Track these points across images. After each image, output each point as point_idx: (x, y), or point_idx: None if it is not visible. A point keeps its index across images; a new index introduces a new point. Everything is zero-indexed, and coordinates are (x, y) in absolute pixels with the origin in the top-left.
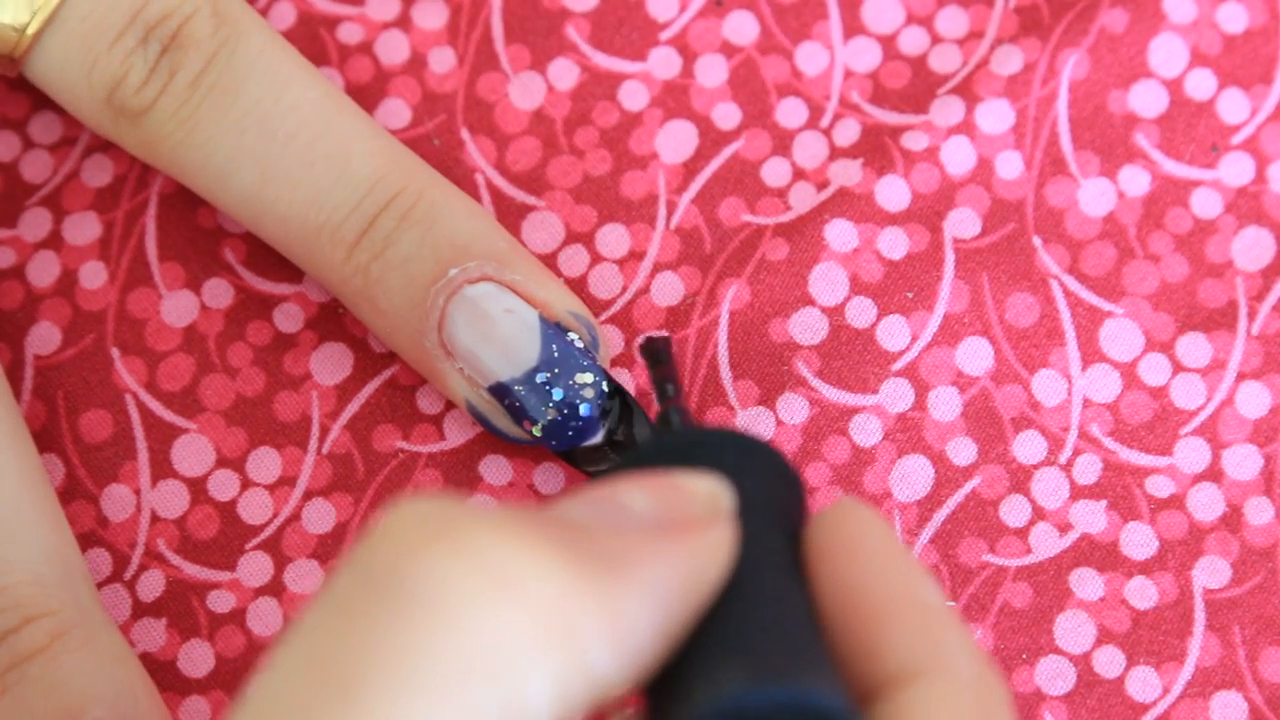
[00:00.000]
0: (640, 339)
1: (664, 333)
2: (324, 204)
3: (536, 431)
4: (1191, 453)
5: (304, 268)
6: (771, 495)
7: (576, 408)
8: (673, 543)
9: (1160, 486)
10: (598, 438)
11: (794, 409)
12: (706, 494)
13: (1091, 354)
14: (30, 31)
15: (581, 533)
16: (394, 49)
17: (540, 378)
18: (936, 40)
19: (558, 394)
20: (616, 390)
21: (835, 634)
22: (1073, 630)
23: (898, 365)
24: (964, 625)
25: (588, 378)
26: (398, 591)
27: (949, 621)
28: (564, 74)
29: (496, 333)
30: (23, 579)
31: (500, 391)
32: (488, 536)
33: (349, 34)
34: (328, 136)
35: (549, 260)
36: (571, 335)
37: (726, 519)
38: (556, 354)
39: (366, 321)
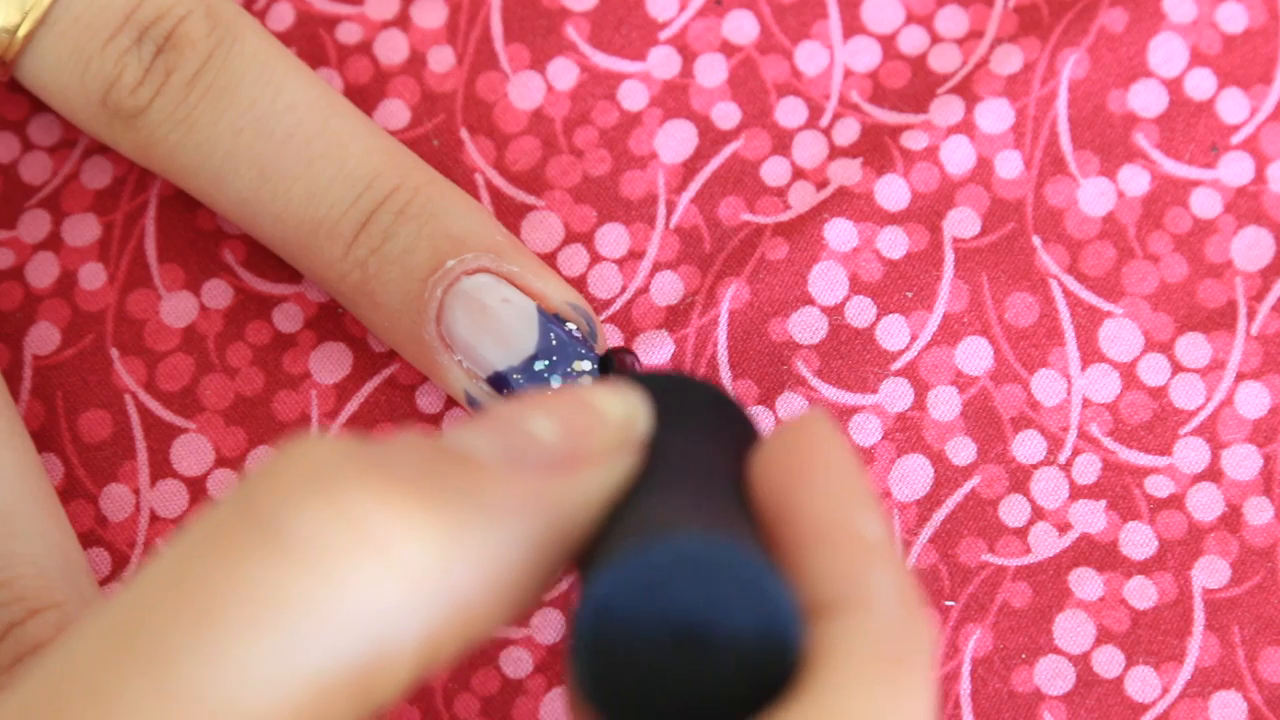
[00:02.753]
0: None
1: (629, 351)
2: (322, 200)
3: None
4: (1191, 453)
5: (301, 267)
6: (714, 423)
7: None
8: (566, 478)
9: (1160, 486)
10: None
11: (793, 408)
12: (621, 416)
13: (1091, 354)
14: (21, 34)
15: (466, 478)
16: (393, 48)
17: (538, 365)
18: (936, 40)
19: (556, 381)
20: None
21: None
22: (1072, 630)
23: (897, 365)
24: (898, 562)
25: (585, 365)
26: (272, 534)
27: (881, 556)
28: (563, 73)
29: (494, 322)
30: (27, 572)
31: (498, 382)
32: (364, 494)
33: (348, 34)
34: (325, 134)
35: (549, 260)
36: (570, 325)
37: (635, 444)
38: (554, 342)
39: (364, 318)
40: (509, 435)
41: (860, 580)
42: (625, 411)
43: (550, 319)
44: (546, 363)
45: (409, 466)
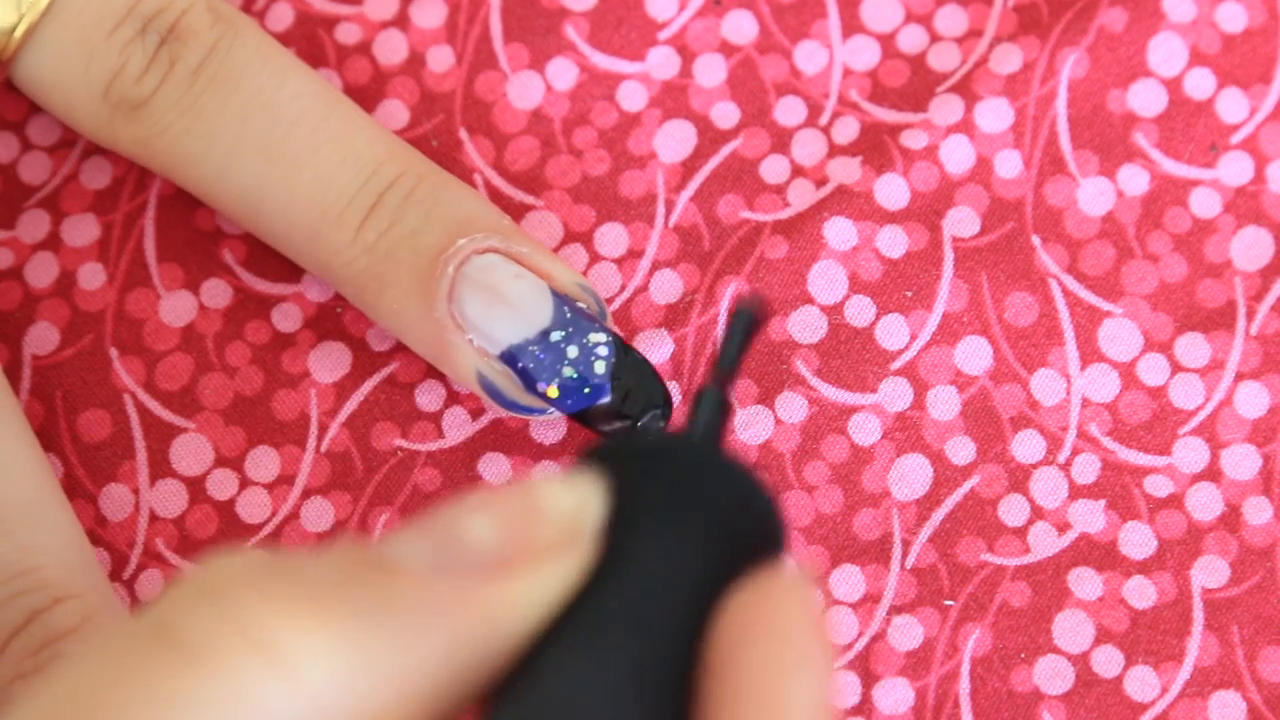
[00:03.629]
0: (744, 299)
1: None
2: (330, 185)
3: (552, 392)
4: (1190, 452)
5: (305, 258)
6: (717, 519)
7: (592, 365)
8: (498, 583)
9: (1159, 486)
10: (609, 397)
11: (793, 408)
12: (568, 511)
13: (1090, 354)
14: (18, 34)
15: (380, 597)
16: (392, 48)
17: (555, 336)
18: (935, 39)
19: (573, 351)
20: (627, 351)
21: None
22: (1071, 630)
23: (897, 364)
24: None
25: (601, 337)
26: (168, 642)
27: None
28: (563, 73)
29: (508, 296)
30: (49, 562)
31: (512, 357)
32: (260, 604)
33: (347, 34)
34: (331, 121)
35: None
36: (580, 304)
37: (580, 544)
38: (569, 315)
39: (370, 305)
40: (439, 539)
41: None
42: (573, 506)
43: (562, 295)
44: (563, 333)
45: (320, 577)
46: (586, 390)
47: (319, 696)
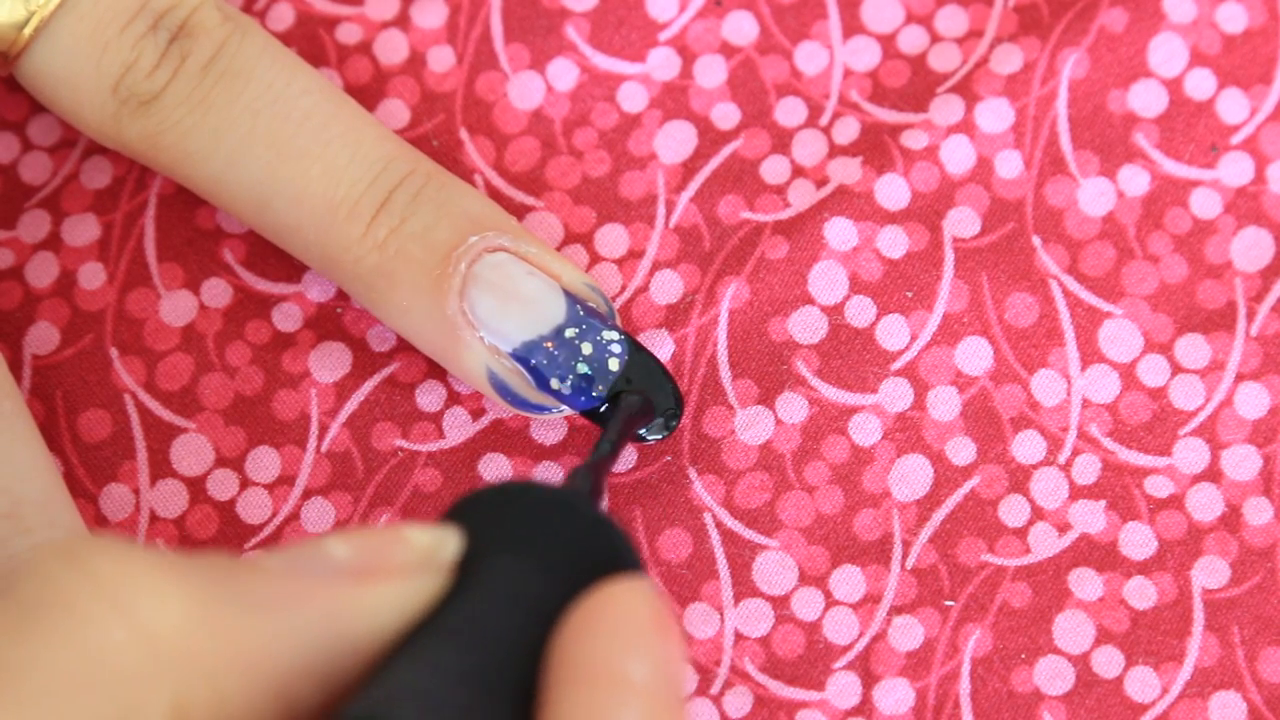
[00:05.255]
0: (632, 398)
1: (644, 398)
2: (341, 179)
3: (566, 389)
4: (1190, 453)
5: (313, 252)
6: (568, 553)
7: (606, 362)
8: (349, 589)
9: (1159, 487)
10: (635, 397)
11: (793, 408)
12: (424, 545)
13: (1090, 354)
14: (27, 32)
15: (235, 576)
16: (393, 48)
17: (569, 333)
18: (936, 39)
19: (587, 348)
20: (639, 350)
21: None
22: (1072, 630)
23: (897, 365)
24: (663, 705)
25: (614, 334)
26: (18, 608)
27: (638, 696)
28: (563, 74)
29: (522, 292)
30: None
31: (524, 355)
32: (109, 563)
33: (348, 34)
34: (340, 118)
35: None
36: (590, 304)
37: (434, 569)
38: (581, 313)
39: (378, 303)
40: (299, 550)
41: (602, 717)
42: (431, 540)
43: (572, 294)
44: (576, 330)
45: (179, 558)
46: (599, 388)
47: (164, 646)
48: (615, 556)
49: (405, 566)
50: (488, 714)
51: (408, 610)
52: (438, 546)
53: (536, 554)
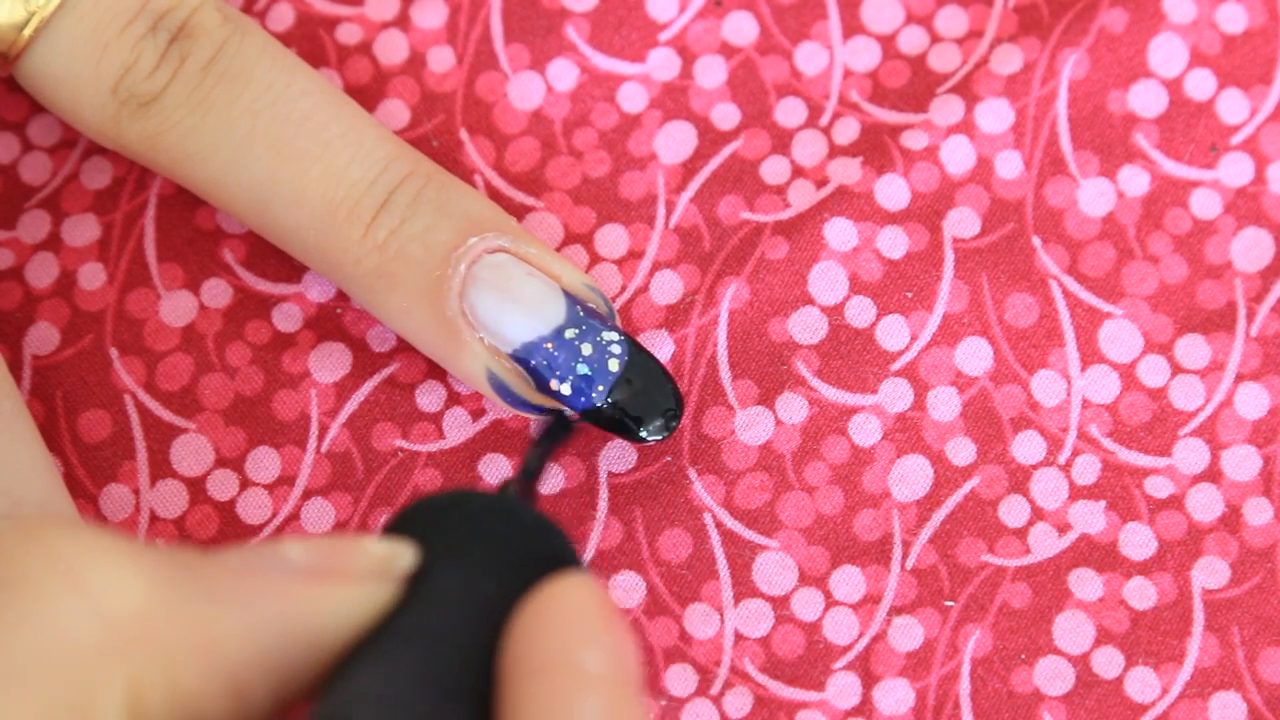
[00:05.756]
0: (546, 417)
1: (574, 416)
2: (341, 181)
3: (566, 389)
4: (1190, 453)
5: (313, 256)
6: (517, 560)
7: (606, 363)
8: (304, 587)
9: (1159, 487)
10: (624, 394)
11: (793, 408)
12: (380, 554)
13: (1090, 355)
14: (27, 32)
15: (193, 566)
16: (393, 49)
17: (569, 334)
18: (936, 39)
19: (587, 349)
20: (639, 350)
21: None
22: (1072, 630)
23: (897, 365)
24: (619, 694)
25: (614, 335)
26: None
27: (595, 686)
28: (563, 74)
29: (523, 292)
30: None
31: (525, 356)
32: (69, 543)
33: (348, 34)
34: (340, 119)
35: None
36: (590, 304)
37: (392, 575)
38: (581, 313)
39: (378, 305)
40: (258, 550)
41: (564, 706)
42: (386, 549)
43: (572, 295)
44: (577, 331)
45: (135, 543)
46: (599, 388)
47: (121, 627)
48: (556, 554)
49: (360, 572)
50: (446, 716)
51: (361, 615)
52: (393, 556)
53: (480, 558)
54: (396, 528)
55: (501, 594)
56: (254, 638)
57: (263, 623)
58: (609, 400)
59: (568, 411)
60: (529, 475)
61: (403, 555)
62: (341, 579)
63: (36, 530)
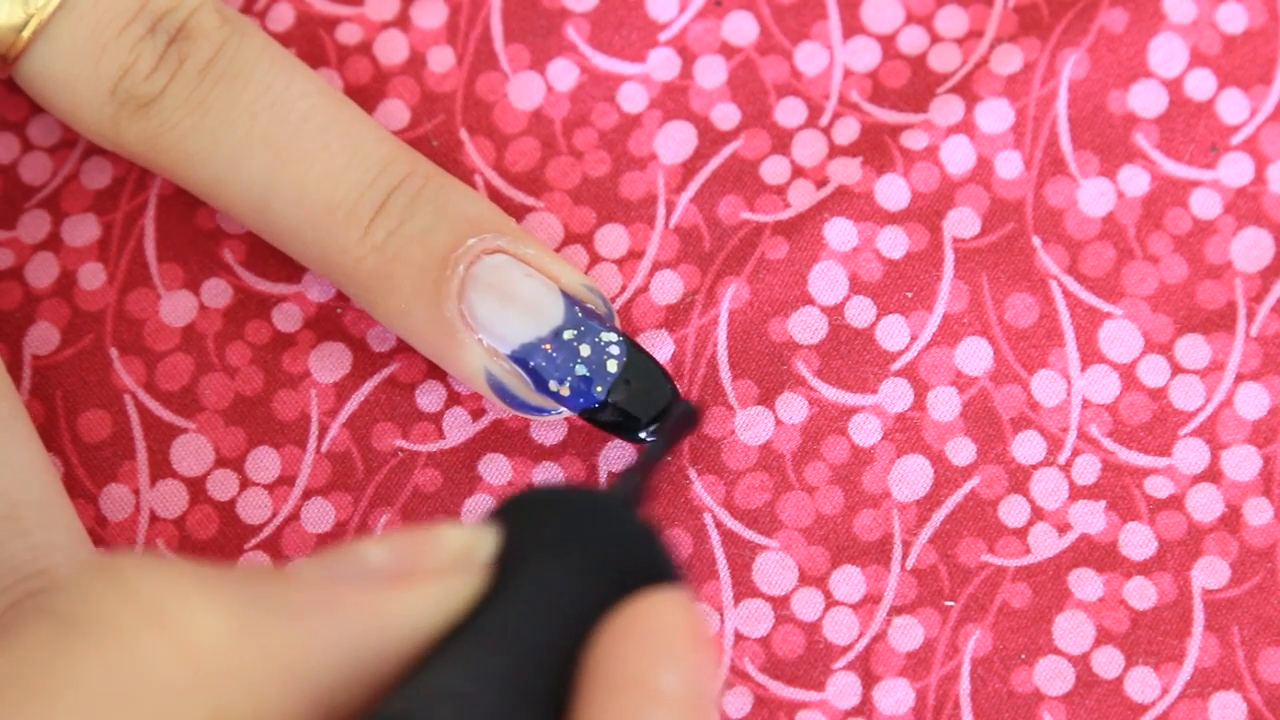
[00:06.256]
0: (688, 406)
1: (699, 406)
2: (339, 182)
3: (564, 390)
4: (1190, 453)
5: (311, 256)
6: (609, 560)
7: (605, 364)
8: (387, 593)
9: (1159, 487)
10: (621, 396)
11: (793, 408)
12: (460, 545)
13: (1090, 355)
14: (26, 34)
15: (272, 586)
16: (393, 49)
17: (567, 335)
18: (936, 40)
19: (585, 350)
20: (638, 351)
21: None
22: (1072, 630)
23: (897, 365)
24: (693, 715)
25: (613, 336)
26: (58, 619)
27: (668, 706)
28: (563, 74)
29: (521, 294)
30: (62, 561)
31: (523, 357)
32: (148, 579)
33: (348, 34)
34: (339, 120)
35: None
36: (589, 305)
37: (470, 570)
38: (580, 314)
39: (376, 305)
40: (336, 557)
41: None
42: (467, 540)
43: (571, 297)
44: (575, 332)
45: (218, 573)
46: (598, 389)
47: (202, 660)
48: (655, 566)
49: (441, 568)
50: (522, 718)
51: (445, 612)
52: (473, 546)
53: (577, 560)
54: (497, 516)
55: (593, 601)
56: (338, 652)
57: (346, 636)
58: (608, 401)
59: (691, 403)
60: (649, 462)
61: (483, 544)
62: (422, 578)
63: (116, 568)
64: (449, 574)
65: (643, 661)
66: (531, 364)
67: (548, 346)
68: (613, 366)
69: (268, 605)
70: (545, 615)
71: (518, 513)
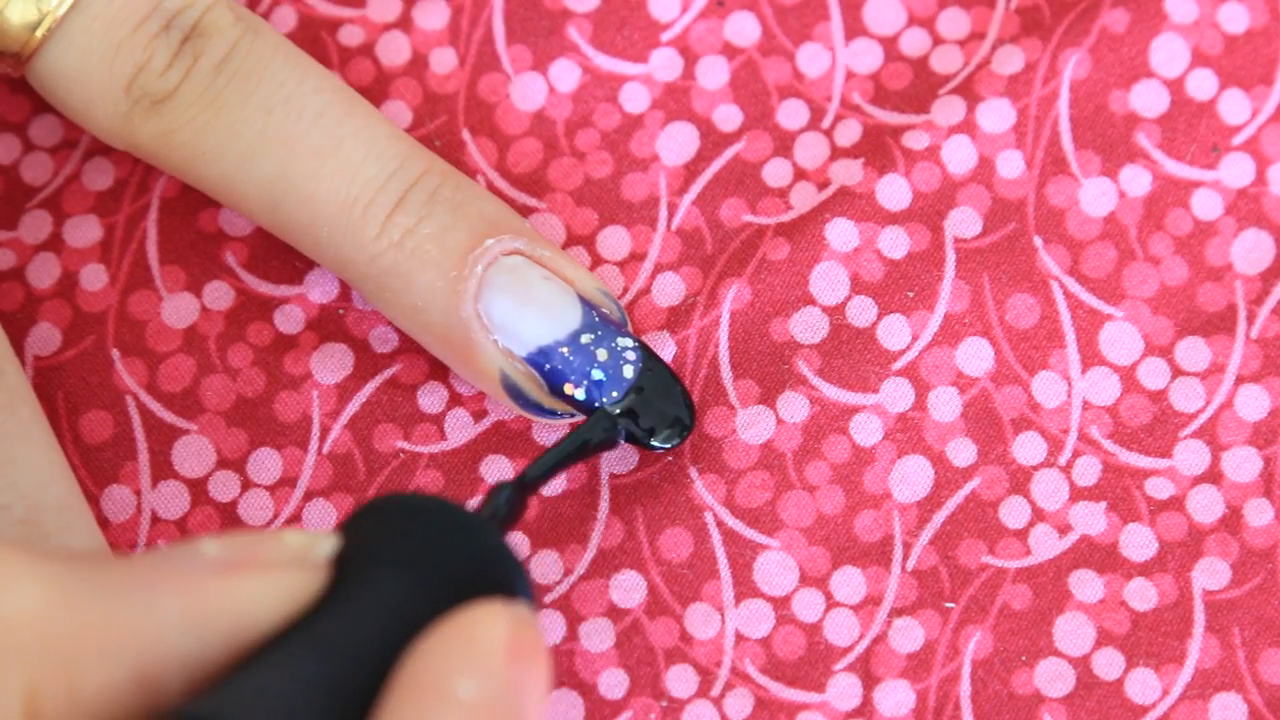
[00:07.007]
0: (599, 427)
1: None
2: (355, 177)
3: (579, 394)
4: (1191, 455)
5: (325, 251)
6: (450, 574)
7: (621, 369)
8: (217, 579)
9: (1160, 488)
10: (635, 402)
11: (794, 407)
12: (298, 545)
13: (1091, 356)
14: (39, 33)
15: (99, 569)
16: (395, 50)
17: (585, 339)
18: (938, 41)
19: (602, 354)
20: (653, 358)
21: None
22: (1072, 632)
23: (898, 365)
24: None
25: (629, 341)
26: None
27: (460, 712)
28: (565, 75)
29: (539, 296)
30: None
31: (539, 359)
32: None
33: (350, 36)
34: (353, 116)
35: None
36: (603, 309)
37: (304, 567)
38: (596, 319)
39: (390, 303)
40: (171, 548)
41: None
42: (304, 541)
43: (587, 301)
44: (592, 336)
45: (25, 553)
46: (613, 393)
47: (17, 634)
48: (500, 582)
49: (273, 561)
50: None
51: (276, 608)
52: (311, 547)
53: (421, 572)
54: (352, 521)
55: (428, 612)
56: (159, 631)
57: (168, 615)
58: (620, 407)
59: (617, 419)
60: (534, 478)
61: (322, 545)
62: (254, 569)
63: None
64: (280, 568)
65: (444, 666)
66: (547, 366)
67: (565, 350)
68: (629, 372)
69: (91, 584)
70: (377, 623)
71: (371, 520)
